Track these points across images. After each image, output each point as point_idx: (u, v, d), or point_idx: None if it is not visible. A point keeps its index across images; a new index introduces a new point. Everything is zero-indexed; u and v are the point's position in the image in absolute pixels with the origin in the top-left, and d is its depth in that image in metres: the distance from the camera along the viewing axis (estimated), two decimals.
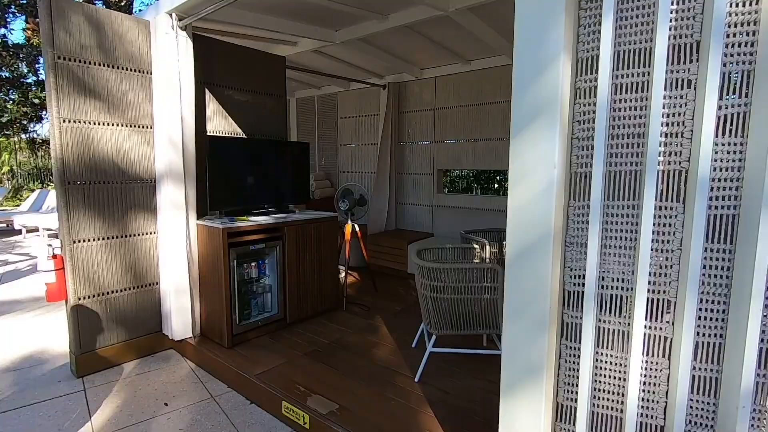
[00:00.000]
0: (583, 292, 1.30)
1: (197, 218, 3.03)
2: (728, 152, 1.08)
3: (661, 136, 1.14)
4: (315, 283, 3.48)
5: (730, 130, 1.07)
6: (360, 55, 4.42)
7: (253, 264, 3.14)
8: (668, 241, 1.16)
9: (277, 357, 2.80)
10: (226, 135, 3.40)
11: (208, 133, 3.26)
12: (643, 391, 1.23)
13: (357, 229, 4.00)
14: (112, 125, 2.77)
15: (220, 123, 3.37)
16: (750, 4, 1.03)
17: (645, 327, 1.21)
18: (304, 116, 6.50)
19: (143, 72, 2.88)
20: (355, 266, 4.88)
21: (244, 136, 3.51)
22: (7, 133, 13.00)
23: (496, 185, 8.44)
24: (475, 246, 2.93)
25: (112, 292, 2.84)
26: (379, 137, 5.24)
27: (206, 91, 3.27)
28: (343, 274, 4.15)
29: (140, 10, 7.88)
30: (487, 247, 3.03)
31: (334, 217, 3.59)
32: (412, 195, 5.28)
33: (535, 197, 1.29)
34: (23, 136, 13.81)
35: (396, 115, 5.18)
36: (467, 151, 4.72)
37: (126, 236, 2.88)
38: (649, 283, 1.19)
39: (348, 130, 5.85)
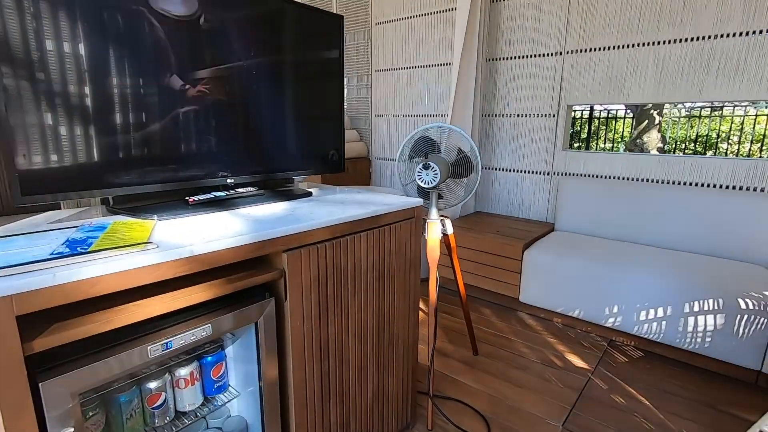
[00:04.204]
0: None
1: None
2: None
3: None
4: (370, 382, 1.31)
5: None
6: None
7: (182, 374, 0.96)
8: None
9: None
10: None
11: None
12: None
13: (449, 230, 1.79)
14: None
15: None
16: None
17: None
18: None
19: None
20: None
21: None
22: None
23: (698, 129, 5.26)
24: None
25: None
26: (453, 52, 2.92)
27: None
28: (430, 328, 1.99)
29: None
30: None
31: (412, 208, 1.36)
32: (510, 154, 3.01)
33: None
34: None
35: (488, 5, 2.82)
36: (642, 66, 2.40)
37: None
38: None
39: (389, 43, 3.50)
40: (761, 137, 5.74)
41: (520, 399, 1.74)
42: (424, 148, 1.71)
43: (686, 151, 6.03)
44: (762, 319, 1.74)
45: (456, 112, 2.85)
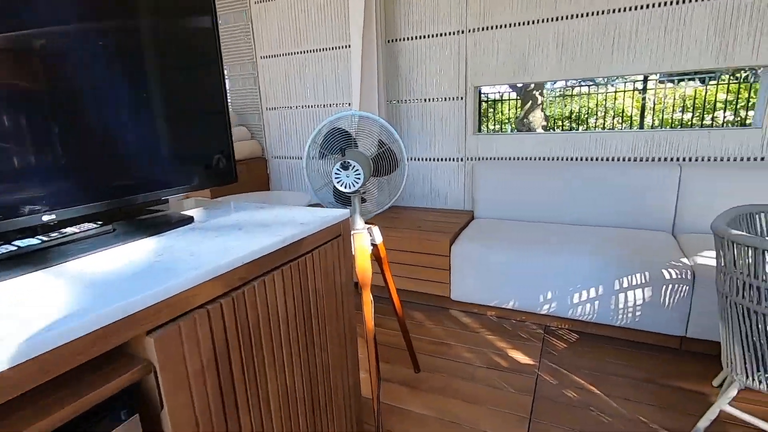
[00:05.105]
0: None
1: None
2: None
3: None
4: None
5: None
6: None
7: None
8: None
9: None
10: None
11: None
12: None
13: (378, 239, 1.50)
14: None
15: None
16: None
17: None
18: None
19: None
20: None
21: None
22: None
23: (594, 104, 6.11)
24: None
25: None
26: (350, 34, 2.62)
27: None
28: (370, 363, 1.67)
29: None
30: None
31: (338, 223, 1.05)
32: (420, 142, 2.83)
33: None
34: None
35: None
36: (543, 43, 2.35)
37: None
38: None
39: (275, 24, 3.06)
40: (621, 111, 6.48)
41: (475, 418, 1.54)
42: (338, 142, 1.39)
43: (564, 127, 6.58)
44: (684, 286, 1.78)
45: (362, 99, 2.57)
